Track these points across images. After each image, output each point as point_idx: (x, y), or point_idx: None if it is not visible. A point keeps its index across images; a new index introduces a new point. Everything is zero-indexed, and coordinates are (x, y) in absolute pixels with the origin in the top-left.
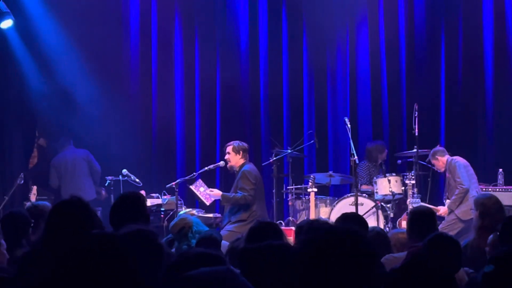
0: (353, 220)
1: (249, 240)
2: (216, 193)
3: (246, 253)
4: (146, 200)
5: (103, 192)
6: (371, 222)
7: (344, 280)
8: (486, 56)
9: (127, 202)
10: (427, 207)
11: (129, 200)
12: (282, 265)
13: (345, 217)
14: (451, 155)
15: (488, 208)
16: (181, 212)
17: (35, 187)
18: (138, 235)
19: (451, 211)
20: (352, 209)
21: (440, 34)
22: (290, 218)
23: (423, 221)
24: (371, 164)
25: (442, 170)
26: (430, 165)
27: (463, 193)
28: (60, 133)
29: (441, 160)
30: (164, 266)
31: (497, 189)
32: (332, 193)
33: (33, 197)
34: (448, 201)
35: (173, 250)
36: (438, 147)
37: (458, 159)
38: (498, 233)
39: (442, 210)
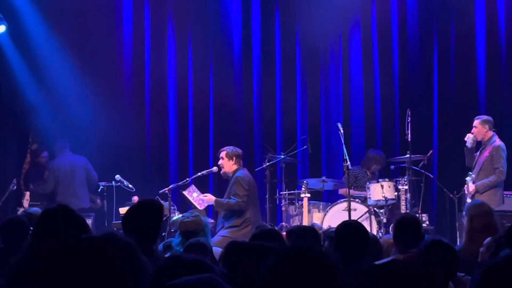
0: (354, 227)
1: None
2: (210, 198)
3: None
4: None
5: (98, 201)
6: None
7: None
8: (479, 62)
9: (145, 210)
10: (411, 214)
11: (148, 208)
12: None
13: (345, 224)
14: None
15: (478, 213)
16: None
17: (28, 193)
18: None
19: (476, 193)
20: (345, 215)
21: (433, 39)
22: (283, 223)
23: (408, 228)
24: (361, 170)
25: (478, 139)
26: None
27: (498, 182)
28: (57, 137)
29: (488, 132)
30: (149, 270)
31: None
32: (325, 198)
33: (26, 202)
34: (473, 176)
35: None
36: (490, 118)
37: (504, 146)
38: (496, 237)
39: (470, 188)
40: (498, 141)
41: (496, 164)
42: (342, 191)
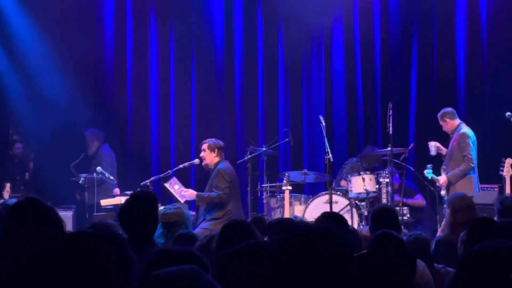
0: (333, 219)
1: (221, 239)
2: (191, 193)
3: (224, 258)
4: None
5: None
6: None
7: (319, 279)
8: (459, 56)
9: (140, 203)
10: (388, 205)
11: (142, 200)
12: (260, 265)
13: (325, 215)
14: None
15: (461, 207)
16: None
17: (8, 184)
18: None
19: (449, 183)
20: (326, 207)
21: (414, 33)
22: (265, 216)
23: (384, 218)
24: (361, 164)
25: (450, 132)
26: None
27: (468, 170)
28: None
29: (450, 123)
30: (139, 263)
31: None
32: (307, 191)
33: (6, 194)
34: (444, 168)
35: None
36: (447, 108)
37: (470, 133)
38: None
39: (442, 180)
40: (464, 128)
41: (464, 152)
42: (343, 183)
